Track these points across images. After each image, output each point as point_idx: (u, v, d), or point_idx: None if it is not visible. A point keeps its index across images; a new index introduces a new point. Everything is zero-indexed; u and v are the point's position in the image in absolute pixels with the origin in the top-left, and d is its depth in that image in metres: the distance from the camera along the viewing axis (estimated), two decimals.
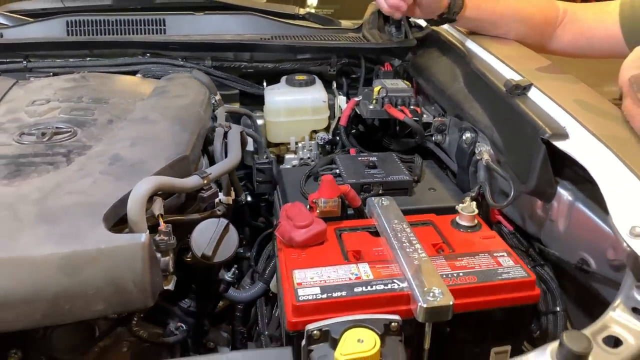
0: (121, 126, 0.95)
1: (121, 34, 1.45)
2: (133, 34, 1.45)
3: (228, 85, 1.42)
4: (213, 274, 0.96)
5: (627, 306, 0.61)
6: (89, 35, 1.44)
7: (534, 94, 0.90)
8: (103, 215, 0.71)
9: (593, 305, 0.81)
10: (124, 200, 0.74)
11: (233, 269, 0.99)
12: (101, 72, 1.30)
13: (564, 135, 0.78)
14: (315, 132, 1.35)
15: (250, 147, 1.24)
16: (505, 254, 0.79)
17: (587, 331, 0.57)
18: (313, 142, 1.34)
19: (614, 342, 0.57)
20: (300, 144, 1.34)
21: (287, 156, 1.33)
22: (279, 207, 1.07)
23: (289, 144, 1.37)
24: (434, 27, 1.30)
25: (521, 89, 0.90)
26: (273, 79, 1.44)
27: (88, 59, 1.38)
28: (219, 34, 1.46)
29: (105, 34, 1.44)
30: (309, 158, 1.32)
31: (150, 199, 0.76)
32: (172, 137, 0.91)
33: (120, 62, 1.35)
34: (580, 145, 0.76)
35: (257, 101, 1.44)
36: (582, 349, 0.52)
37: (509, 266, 0.76)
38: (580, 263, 0.79)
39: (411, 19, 1.45)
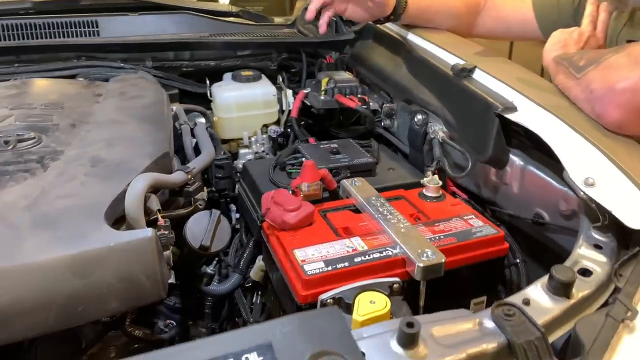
0: (88, 129, 0.93)
1: (49, 38, 1.38)
2: (62, 37, 1.39)
3: (168, 85, 1.41)
4: (197, 269, 0.98)
5: (589, 244, 0.73)
6: (13, 40, 1.36)
7: (478, 75, 1.01)
8: (104, 215, 0.71)
9: (545, 256, 0.94)
10: (119, 199, 0.74)
11: (215, 262, 1.01)
12: (36, 77, 1.24)
13: (513, 109, 0.90)
14: (266, 126, 1.39)
15: None
16: (473, 216, 0.89)
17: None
18: (265, 135, 1.38)
19: (585, 272, 0.68)
20: (252, 139, 1.37)
21: (242, 151, 1.36)
22: (246, 200, 1.10)
23: (239, 139, 1.39)
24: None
25: (467, 71, 1.01)
26: (214, 76, 1.45)
27: (16, 65, 1.30)
28: (156, 34, 1.44)
29: (31, 39, 1.37)
30: (263, 151, 1.36)
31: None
32: (147, 135, 0.91)
33: (55, 66, 1.29)
34: (529, 115, 0.87)
35: (197, 100, 1.44)
36: (569, 278, 0.63)
37: (480, 226, 0.87)
38: (536, 217, 0.91)
39: None
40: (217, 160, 1.21)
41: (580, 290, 0.65)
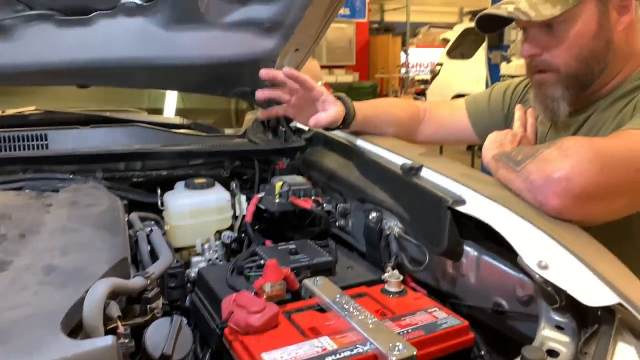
0: (39, 238, 0.90)
1: None
2: (10, 151, 1.37)
3: (117, 196, 1.39)
4: None
5: (551, 325, 0.76)
6: None
7: (425, 172, 1.08)
8: (60, 324, 0.66)
9: (507, 345, 0.95)
10: (77, 307, 0.70)
11: None
12: None
13: (462, 201, 0.96)
14: (219, 232, 1.38)
15: None
16: (437, 309, 0.91)
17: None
18: (218, 242, 1.36)
19: (552, 353, 0.70)
20: (205, 246, 1.35)
21: (194, 259, 1.33)
22: (201, 309, 1.06)
23: (192, 247, 1.37)
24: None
25: (415, 170, 1.08)
26: (166, 186, 1.45)
27: None
28: (107, 146, 1.45)
29: None
30: (216, 258, 1.33)
31: None
32: (103, 242, 0.88)
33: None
34: (477, 206, 0.93)
35: (147, 210, 1.42)
36: (539, 358, 0.64)
37: (444, 317, 0.88)
38: (495, 306, 0.93)
39: (292, 124, 1.62)
40: (170, 270, 1.17)
41: None
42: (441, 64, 8.44)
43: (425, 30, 12.88)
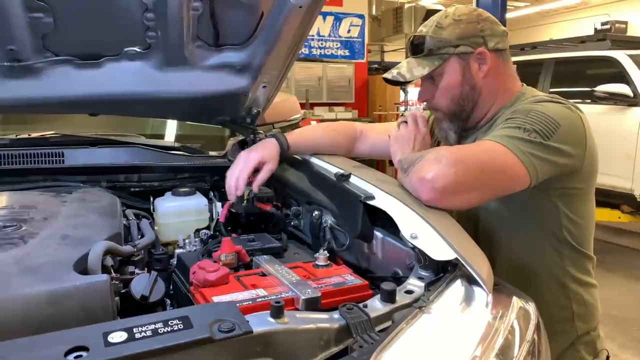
0: (57, 220, 1.23)
1: (22, 165, 1.70)
2: (33, 164, 1.71)
3: None
4: None
5: (415, 277, 1.07)
6: None
7: (353, 179, 1.41)
8: (72, 266, 0.99)
9: None
10: (84, 258, 1.02)
11: None
12: None
13: (372, 197, 1.28)
14: (198, 230, 1.70)
15: None
16: (348, 274, 1.22)
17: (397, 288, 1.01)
18: (197, 238, 1.68)
19: (409, 292, 1.01)
20: (186, 241, 1.67)
21: (177, 251, 1.64)
22: (179, 282, 1.38)
23: (175, 242, 1.69)
24: None
25: (345, 177, 1.41)
26: (157, 195, 1.78)
27: None
28: (111, 162, 1.79)
29: (6, 165, 1.68)
30: (195, 251, 1.65)
31: None
32: (104, 222, 1.21)
33: (23, 186, 1.60)
34: (381, 200, 1.26)
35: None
36: (391, 288, 0.96)
37: (351, 279, 1.19)
38: (394, 274, 1.24)
39: None
40: (156, 255, 1.50)
41: (403, 300, 0.97)
42: None
43: None
